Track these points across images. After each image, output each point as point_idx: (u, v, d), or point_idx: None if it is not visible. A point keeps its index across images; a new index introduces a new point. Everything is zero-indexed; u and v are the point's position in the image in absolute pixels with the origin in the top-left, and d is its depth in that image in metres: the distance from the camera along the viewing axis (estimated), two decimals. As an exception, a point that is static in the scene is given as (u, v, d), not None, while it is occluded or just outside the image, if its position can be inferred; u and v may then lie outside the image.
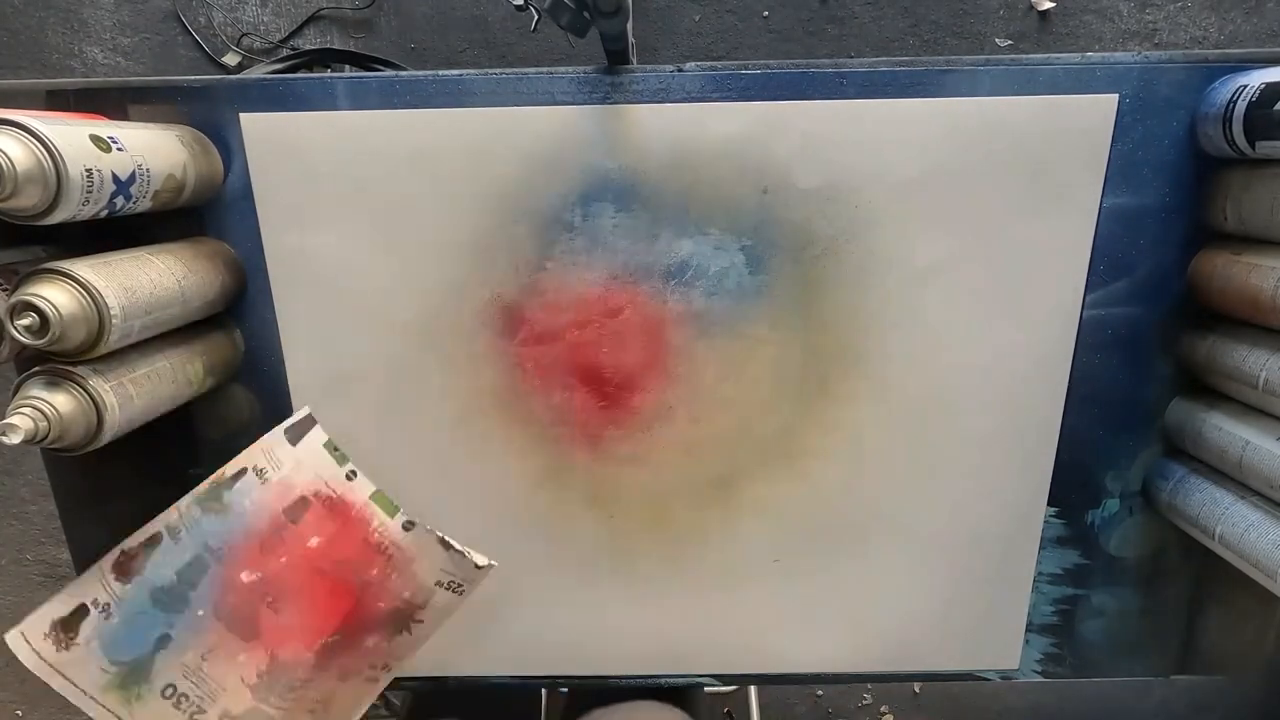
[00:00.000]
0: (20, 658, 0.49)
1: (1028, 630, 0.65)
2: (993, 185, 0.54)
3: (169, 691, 0.51)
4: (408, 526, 0.54)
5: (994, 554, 0.62)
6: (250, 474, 0.52)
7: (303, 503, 0.52)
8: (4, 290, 0.45)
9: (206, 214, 0.55)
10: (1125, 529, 0.62)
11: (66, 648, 0.50)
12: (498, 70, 0.53)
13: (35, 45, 1.16)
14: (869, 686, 1.42)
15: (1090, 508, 0.61)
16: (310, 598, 0.53)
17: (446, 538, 0.54)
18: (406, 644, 0.56)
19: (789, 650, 0.66)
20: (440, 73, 0.53)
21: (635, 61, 0.54)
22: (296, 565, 0.52)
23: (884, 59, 0.53)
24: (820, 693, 1.44)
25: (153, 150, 0.47)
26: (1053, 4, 1.11)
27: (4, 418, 0.42)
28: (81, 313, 0.41)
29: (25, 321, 0.40)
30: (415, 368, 0.58)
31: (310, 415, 0.54)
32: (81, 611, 0.50)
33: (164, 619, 0.51)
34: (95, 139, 0.42)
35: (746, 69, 0.52)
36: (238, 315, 0.58)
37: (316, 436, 0.54)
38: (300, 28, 1.16)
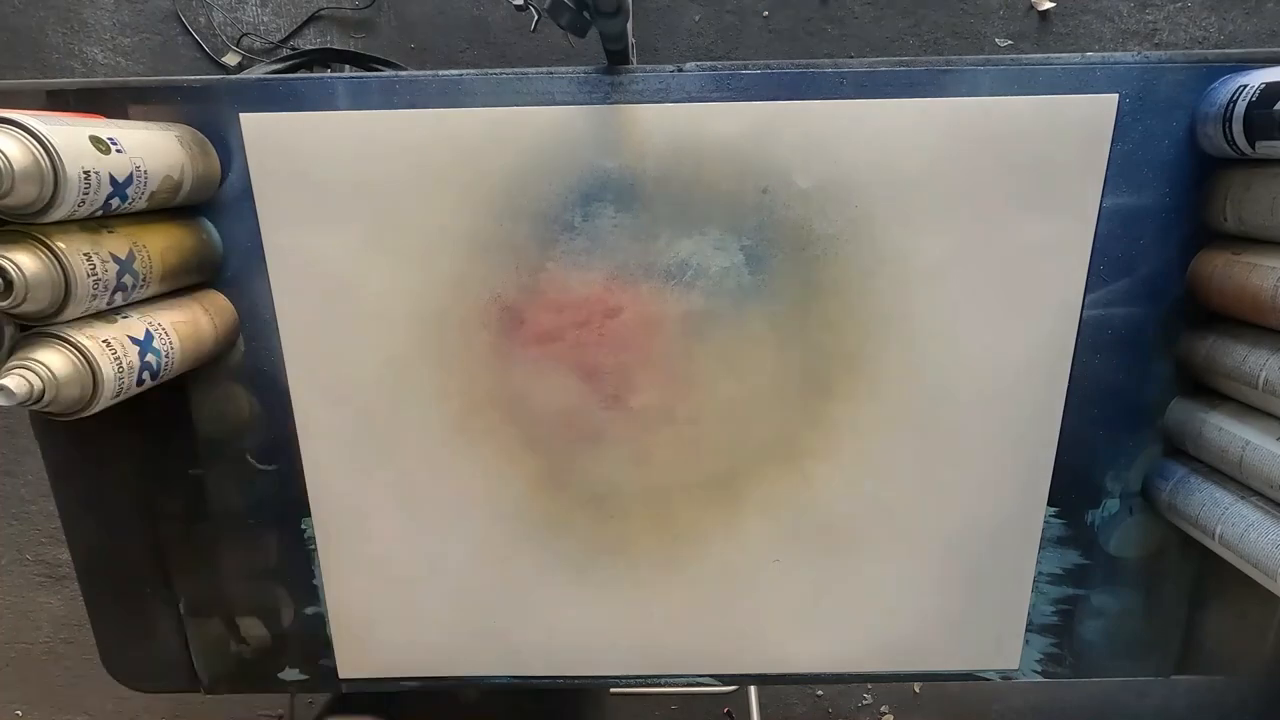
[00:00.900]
0: None
1: (1028, 630, 0.65)
2: (993, 185, 0.54)
3: None
4: None
5: (994, 554, 0.62)
6: None
7: None
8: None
9: (207, 213, 0.55)
10: (1125, 529, 0.62)
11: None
12: (498, 70, 0.53)
13: (35, 45, 1.16)
14: (869, 686, 1.42)
15: (1090, 508, 0.61)
16: None
17: None
18: None
19: (789, 650, 0.66)
20: (440, 73, 0.53)
21: (635, 61, 0.54)
22: None
23: (884, 59, 0.53)
24: (820, 693, 1.44)
25: (151, 151, 0.47)
26: (1053, 4, 1.11)
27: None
28: (48, 275, 0.41)
29: None
30: (415, 367, 0.58)
31: None
32: None
33: None
34: (95, 140, 0.42)
35: (746, 69, 0.52)
36: (239, 317, 0.58)
37: None
38: (300, 28, 1.16)
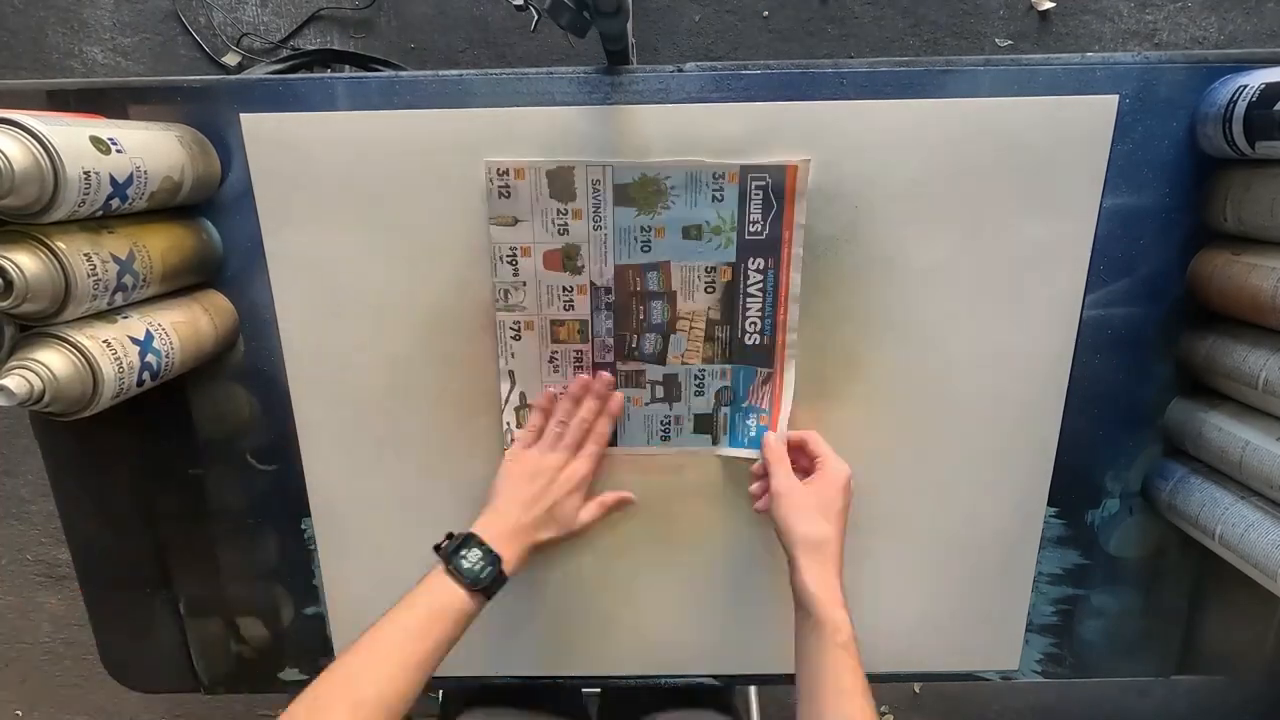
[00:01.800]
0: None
1: (1028, 630, 0.65)
2: (993, 185, 0.54)
3: None
4: None
5: (994, 554, 0.62)
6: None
7: None
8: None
9: (207, 213, 0.55)
10: (1125, 529, 0.62)
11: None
12: (498, 70, 0.53)
13: (35, 45, 1.16)
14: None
15: (1090, 508, 0.61)
16: None
17: None
18: None
19: (789, 650, 0.65)
20: (440, 73, 0.53)
21: (635, 61, 0.54)
22: None
23: (884, 59, 0.53)
24: (820, 693, 1.43)
25: (151, 152, 0.47)
26: (1053, 4, 1.11)
27: None
28: (48, 275, 0.41)
29: None
30: (416, 367, 0.58)
31: None
32: None
33: None
34: (95, 140, 0.42)
35: (746, 69, 0.52)
36: (239, 317, 0.57)
37: None
38: (300, 28, 1.15)
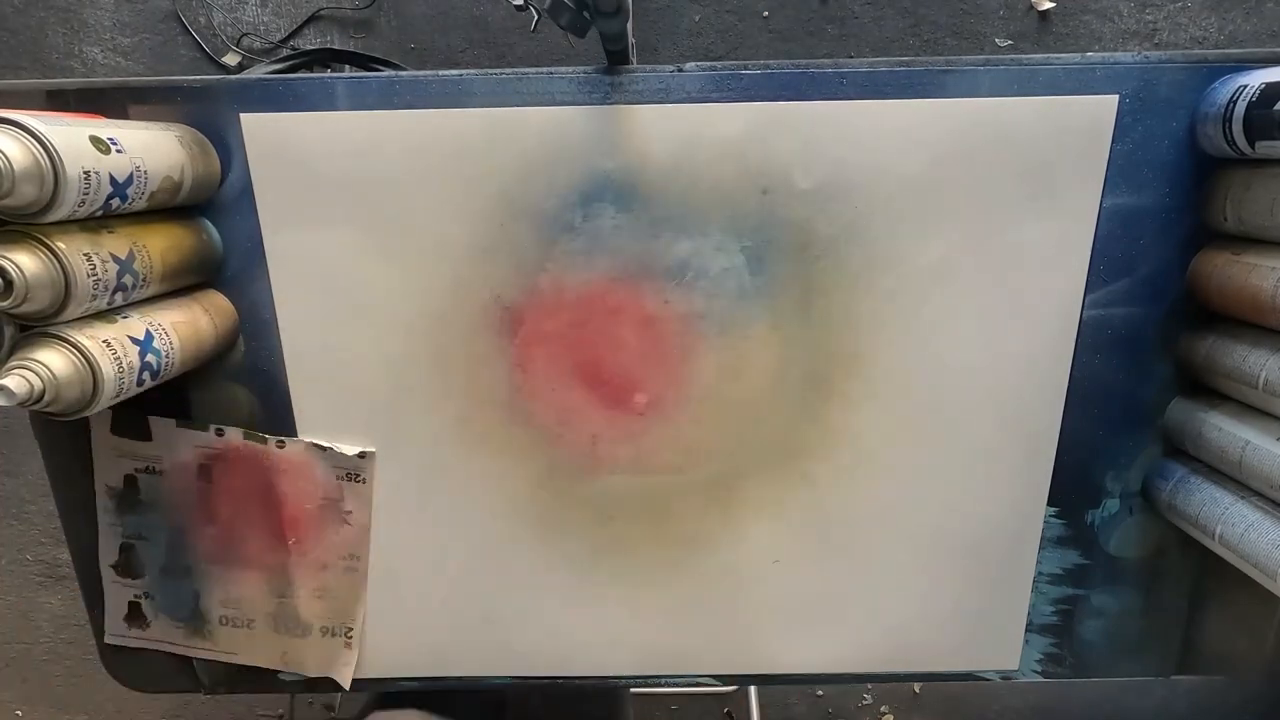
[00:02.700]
0: (128, 645, 0.66)
1: (1028, 630, 0.65)
2: (993, 185, 0.54)
3: (223, 620, 0.65)
4: (280, 444, 0.60)
5: (994, 554, 0.62)
6: (143, 475, 0.61)
7: (202, 469, 0.61)
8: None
9: (207, 213, 0.55)
10: (1125, 529, 0.62)
11: (147, 627, 0.66)
12: (498, 70, 0.53)
13: (35, 45, 1.16)
14: (869, 686, 1.42)
15: (1090, 508, 0.61)
16: (257, 520, 0.62)
17: (316, 441, 0.59)
18: (355, 534, 0.62)
19: (789, 650, 0.66)
20: (440, 73, 0.53)
21: (635, 61, 0.54)
22: (232, 506, 0.62)
23: (884, 59, 0.53)
24: (820, 693, 1.44)
25: (151, 152, 0.47)
26: (1053, 4, 1.11)
27: None
28: (48, 275, 0.41)
29: None
30: (415, 368, 0.58)
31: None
32: (135, 606, 0.65)
33: (185, 584, 0.65)
34: (95, 140, 0.42)
35: (746, 69, 0.52)
36: (239, 316, 0.57)
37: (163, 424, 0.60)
38: (300, 28, 1.16)
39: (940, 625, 0.65)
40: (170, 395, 0.58)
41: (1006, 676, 0.66)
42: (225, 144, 0.54)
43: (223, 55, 1.16)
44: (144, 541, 0.63)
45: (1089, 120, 0.52)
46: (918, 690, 1.40)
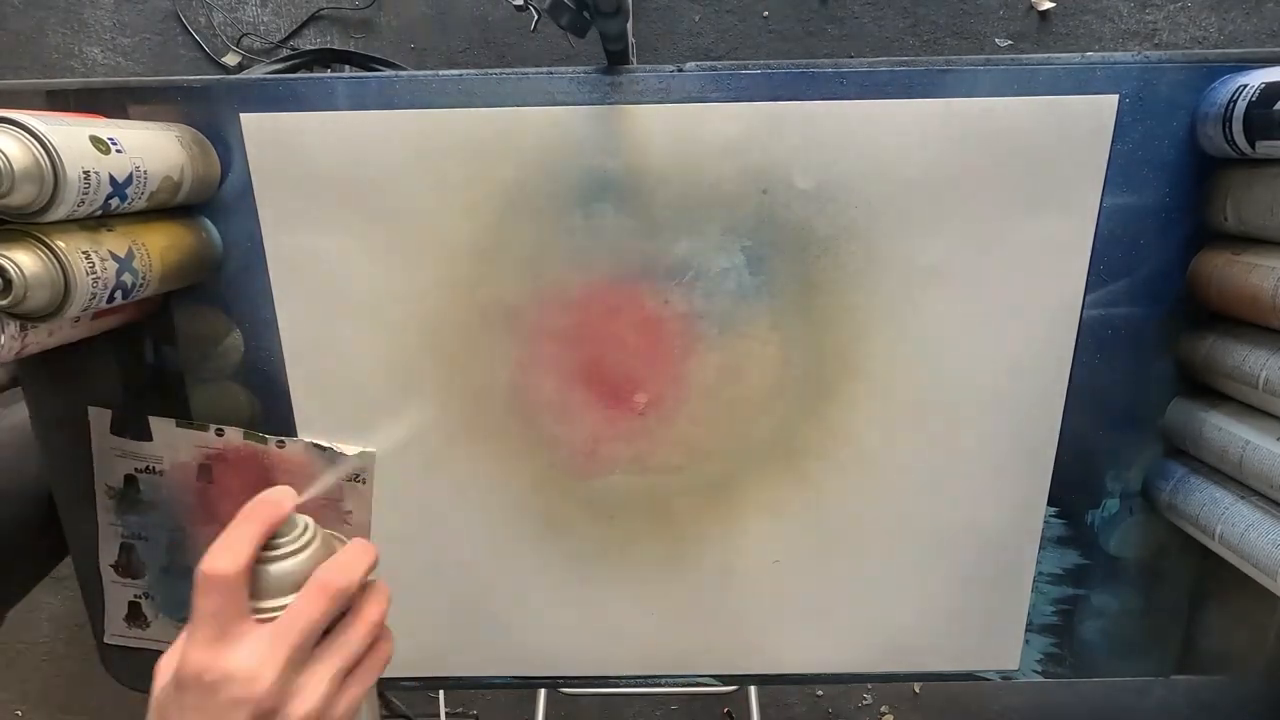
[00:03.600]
0: (128, 645, 0.66)
1: (1028, 630, 0.65)
2: (993, 185, 0.54)
3: None
4: (280, 444, 0.60)
5: (994, 554, 0.62)
6: (143, 475, 0.61)
7: (202, 469, 0.61)
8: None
9: (207, 213, 0.55)
10: (1125, 529, 0.62)
11: (147, 626, 0.66)
12: (498, 70, 0.53)
13: (35, 45, 1.16)
14: (869, 686, 1.42)
15: (1090, 508, 0.61)
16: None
17: (316, 441, 0.60)
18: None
19: (789, 650, 0.66)
20: (440, 73, 0.53)
21: (635, 61, 0.54)
22: (232, 506, 0.61)
23: (884, 59, 0.53)
24: (820, 693, 1.44)
25: (151, 152, 0.47)
26: (1053, 4, 1.11)
27: None
28: (47, 274, 0.41)
29: None
30: (415, 368, 0.58)
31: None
32: (135, 606, 0.65)
33: (186, 584, 0.61)
34: (95, 140, 0.42)
35: (746, 69, 0.52)
36: (239, 316, 0.58)
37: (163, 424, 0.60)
38: (300, 28, 1.16)
39: (940, 625, 0.65)
40: (170, 395, 0.58)
41: (1006, 676, 0.66)
42: (225, 144, 0.54)
43: (223, 55, 1.16)
44: (144, 541, 0.63)
45: (1089, 120, 0.52)
46: (918, 690, 1.40)
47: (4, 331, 0.44)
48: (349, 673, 0.39)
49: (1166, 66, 0.52)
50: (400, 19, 1.14)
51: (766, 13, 1.12)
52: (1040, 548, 0.62)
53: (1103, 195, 0.54)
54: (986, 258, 0.55)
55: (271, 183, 0.54)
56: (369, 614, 0.40)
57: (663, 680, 0.67)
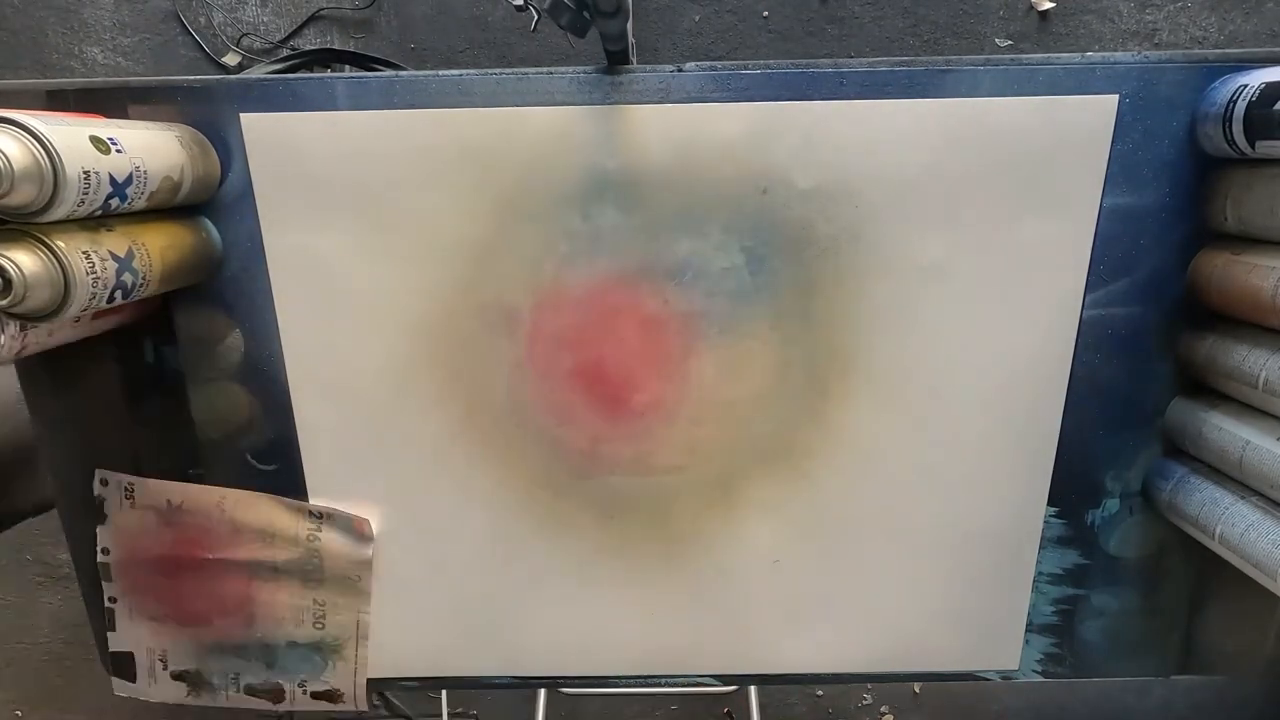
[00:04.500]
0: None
1: (1028, 630, 0.65)
2: (993, 185, 0.54)
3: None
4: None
5: (994, 554, 0.62)
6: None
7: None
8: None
9: (207, 212, 0.55)
10: (1125, 529, 0.62)
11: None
12: (498, 70, 0.53)
13: (35, 45, 1.16)
14: (869, 686, 1.42)
15: (1090, 508, 0.61)
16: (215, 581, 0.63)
17: (321, 508, 0.61)
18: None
19: (789, 650, 0.66)
20: (440, 73, 0.53)
21: (635, 61, 0.54)
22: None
23: (884, 59, 0.53)
24: (820, 693, 1.44)
25: (151, 152, 0.47)
26: (1053, 4, 1.11)
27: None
28: (47, 275, 0.41)
29: None
30: (415, 368, 0.58)
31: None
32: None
33: None
34: (95, 140, 0.42)
35: (746, 69, 0.52)
36: (239, 316, 0.58)
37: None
38: (300, 28, 1.16)
39: (940, 625, 0.65)
40: (170, 395, 0.58)
41: (1006, 676, 0.66)
42: (225, 144, 0.54)
43: (223, 55, 1.16)
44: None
45: (1089, 120, 0.52)
46: (918, 690, 1.40)
47: (4, 331, 0.44)
48: None
49: (1166, 66, 0.52)
50: (400, 19, 1.14)
51: (766, 13, 1.12)
52: (1040, 548, 0.62)
53: (1103, 195, 0.54)
54: (986, 258, 0.55)
55: (271, 183, 0.55)
56: None
57: (663, 680, 0.67)
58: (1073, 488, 0.61)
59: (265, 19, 1.14)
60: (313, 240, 0.55)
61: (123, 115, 0.53)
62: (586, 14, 0.45)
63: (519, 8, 0.51)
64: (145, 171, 0.46)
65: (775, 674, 0.66)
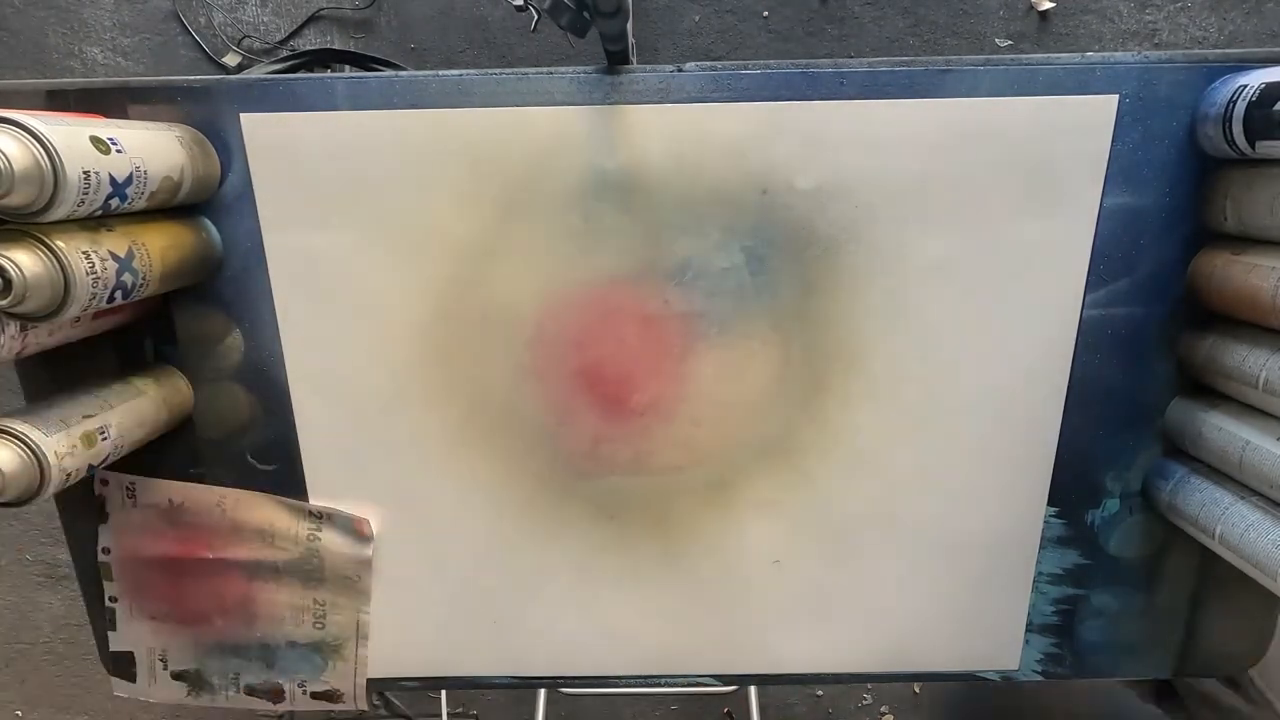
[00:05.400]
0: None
1: (1028, 630, 0.65)
2: (993, 185, 0.54)
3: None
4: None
5: (994, 554, 0.62)
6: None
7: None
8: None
9: (207, 212, 0.55)
10: (1125, 529, 0.62)
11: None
12: (498, 70, 0.53)
13: (35, 45, 1.16)
14: (869, 686, 1.42)
15: (1090, 508, 0.61)
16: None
17: (322, 509, 0.61)
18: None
19: (789, 650, 0.66)
20: (440, 73, 0.53)
21: (635, 61, 0.54)
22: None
23: (884, 59, 0.53)
24: (820, 693, 1.44)
25: (151, 152, 0.47)
26: (1053, 4, 1.11)
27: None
28: (47, 275, 0.41)
29: None
30: (415, 368, 0.58)
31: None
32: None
33: None
34: (95, 140, 0.42)
35: (746, 69, 0.52)
36: (239, 316, 0.58)
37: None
38: (300, 28, 1.16)
39: (940, 625, 0.65)
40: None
41: (1006, 676, 0.66)
42: (225, 144, 0.54)
43: (223, 55, 1.16)
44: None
45: (1089, 120, 0.52)
46: (918, 690, 1.40)
47: (4, 331, 0.44)
48: None
49: (1166, 66, 0.52)
50: (400, 19, 1.14)
51: (766, 13, 1.12)
52: (1040, 548, 0.62)
53: (1103, 195, 0.54)
54: (986, 258, 0.55)
55: (271, 183, 0.55)
56: None
57: (663, 680, 0.67)
58: (1073, 488, 0.61)
59: (265, 19, 1.14)
60: (313, 240, 0.55)
61: (123, 115, 0.53)
62: (586, 14, 0.45)
63: (519, 8, 0.51)
64: (145, 171, 0.46)
65: (775, 674, 0.66)
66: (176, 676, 0.66)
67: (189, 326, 0.58)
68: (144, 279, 0.48)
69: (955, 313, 0.56)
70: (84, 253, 0.43)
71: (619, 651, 0.66)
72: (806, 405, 0.59)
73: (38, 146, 0.39)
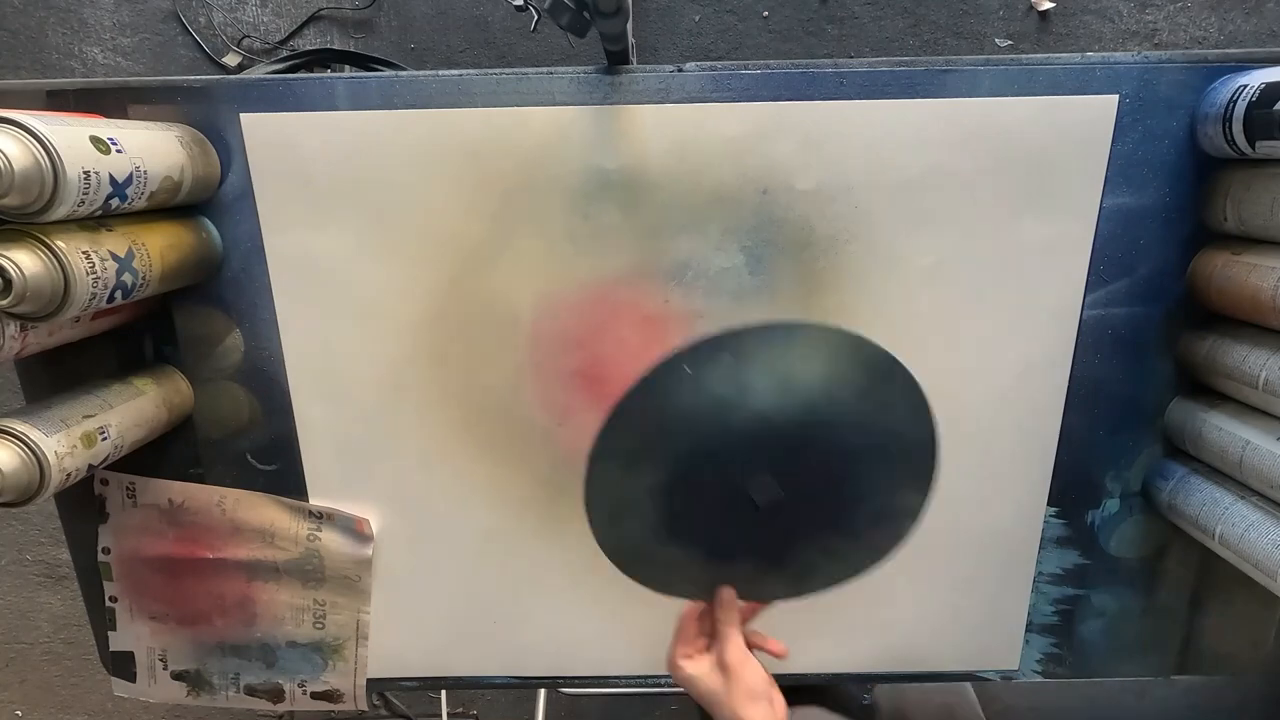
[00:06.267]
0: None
1: (1028, 630, 0.65)
2: (993, 185, 0.54)
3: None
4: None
5: (994, 554, 0.62)
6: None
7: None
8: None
9: (207, 212, 0.55)
10: (1125, 529, 0.62)
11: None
12: (498, 70, 0.53)
13: (35, 45, 1.16)
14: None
15: (1090, 508, 0.61)
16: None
17: (322, 509, 0.62)
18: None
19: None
20: (440, 73, 0.53)
21: (635, 61, 0.54)
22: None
23: (884, 59, 0.53)
24: (820, 693, 1.43)
25: (151, 152, 0.47)
26: (1053, 4, 1.11)
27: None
28: (47, 275, 0.41)
29: None
30: (415, 368, 0.58)
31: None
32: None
33: None
34: (95, 140, 0.42)
35: (746, 69, 0.52)
36: (239, 316, 0.58)
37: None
38: (300, 28, 1.16)
39: (940, 625, 0.65)
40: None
41: (1006, 676, 0.66)
42: (225, 144, 0.54)
43: (223, 55, 1.16)
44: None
45: (1089, 120, 0.52)
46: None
47: (4, 331, 0.44)
48: None
49: (1166, 66, 0.52)
50: (400, 19, 1.14)
51: (766, 13, 1.12)
52: (1040, 548, 0.62)
53: (1103, 195, 0.54)
54: (986, 258, 0.55)
55: (271, 183, 0.54)
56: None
57: (663, 680, 0.67)
58: (1073, 488, 0.61)
59: (265, 19, 1.14)
60: (312, 240, 0.55)
61: (123, 115, 0.53)
62: (586, 14, 0.45)
63: (519, 8, 0.51)
64: (145, 171, 0.46)
65: (774, 674, 0.66)
66: (176, 676, 0.66)
67: (189, 326, 0.58)
68: (144, 279, 0.48)
69: (955, 313, 0.56)
70: (84, 253, 0.43)
71: (619, 651, 0.66)
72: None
73: (38, 146, 0.39)
